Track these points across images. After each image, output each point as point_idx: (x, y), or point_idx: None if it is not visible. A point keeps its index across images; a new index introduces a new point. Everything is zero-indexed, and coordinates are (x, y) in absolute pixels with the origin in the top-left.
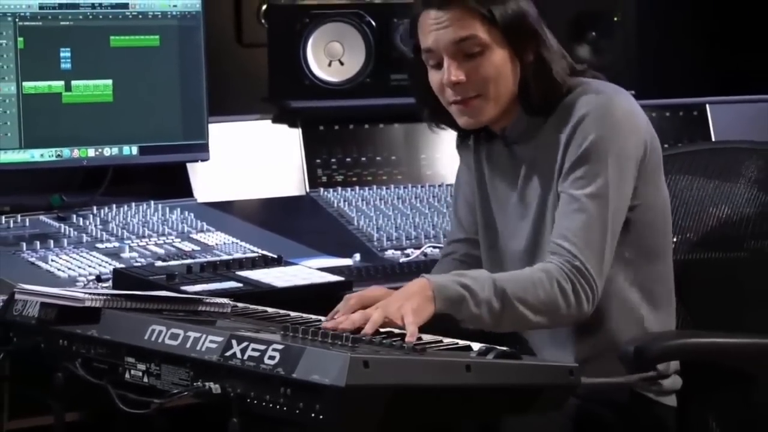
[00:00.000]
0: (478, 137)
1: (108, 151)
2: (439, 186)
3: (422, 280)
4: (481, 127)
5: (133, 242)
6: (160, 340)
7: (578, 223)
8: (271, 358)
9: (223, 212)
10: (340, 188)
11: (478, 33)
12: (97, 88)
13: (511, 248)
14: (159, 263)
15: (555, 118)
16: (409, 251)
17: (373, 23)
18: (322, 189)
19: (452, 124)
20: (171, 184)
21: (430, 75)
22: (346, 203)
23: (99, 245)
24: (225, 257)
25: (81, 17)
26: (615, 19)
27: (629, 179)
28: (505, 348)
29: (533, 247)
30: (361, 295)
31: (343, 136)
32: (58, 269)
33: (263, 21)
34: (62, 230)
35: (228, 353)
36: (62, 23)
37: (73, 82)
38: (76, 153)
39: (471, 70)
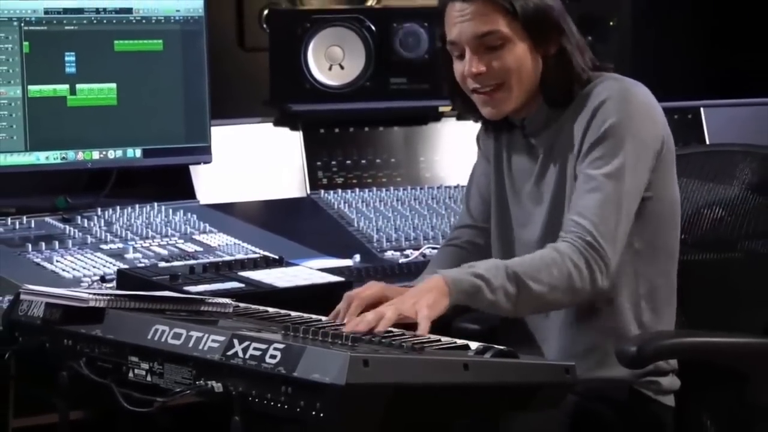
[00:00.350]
0: (500, 127)
1: (112, 153)
2: (438, 188)
3: (436, 276)
4: (502, 118)
5: (136, 243)
6: (163, 340)
7: (593, 201)
8: (273, 357)
9: (225, 214)
10: (340, 190)
11: (500, 27)
12: (101, 92)
13: (525, 237)
14: (162, 264)
15: (574, 106)
16: (408, 252)
17: (373, 28)
18: (322, 191)
19: (479, 115)
20: (174, 186)
21: (454, 65)
22: (347, 205)
23: (103, 246)
24: (227, 258)
25: (85, 22)
26: (611, 23)
27: (645, 165)
28: (502, 347)
29: (548, 235)
30: (360, 294)
31: (344, 139)
32: (63, 270)
33: (265, 26)
34: (67, 231)
35: (230, 352)
36: (67, 28)
37: (78, 86)
38: (81, 155)
39: (492, 63)
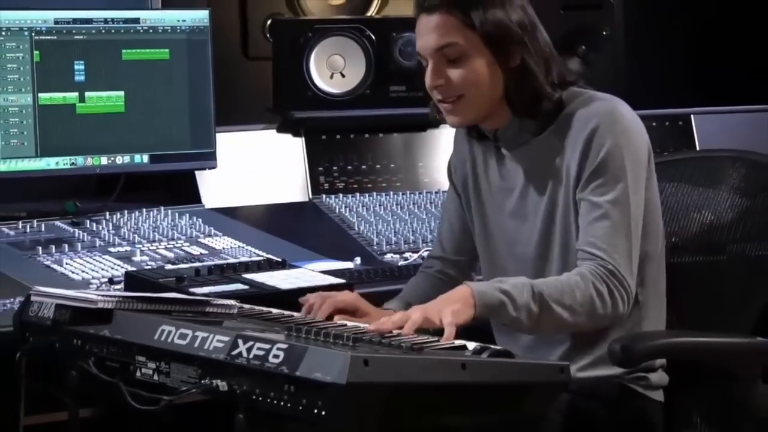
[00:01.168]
0: (472, 136)
1: (120, 159)
2: (436, 192)
3: (464, 287)
4: (471, 126)
5: (143, 246)
6: (169, 340)
7: (603, 230)
8: (276, 356)
9: (230, 218)
10: (341, 195)
11: (459, 40)
12: (109, 99)
13: (518, 254)
14: (169, 266)
15: (558, 126)
16: (407, 255)
17: (373, 37)
18: (324, 195)
19: None
20: (180, 190)
21: (425, 74)
22: (347, 209)
23: (111, 249)
24: (231, 260)
25: (94, 31)
26: (604, 33)
27: (642, 183)
28: (498, 347)
29: (544, 251)
30: (334, 297)
31: (345, 145)
32: (73, 272)
33: (268, 35)
34: (76, 235)
35: (234, 352)
36: (76, 37)
37: (87, 94)
38: (90, 161)
39: (451, 75)
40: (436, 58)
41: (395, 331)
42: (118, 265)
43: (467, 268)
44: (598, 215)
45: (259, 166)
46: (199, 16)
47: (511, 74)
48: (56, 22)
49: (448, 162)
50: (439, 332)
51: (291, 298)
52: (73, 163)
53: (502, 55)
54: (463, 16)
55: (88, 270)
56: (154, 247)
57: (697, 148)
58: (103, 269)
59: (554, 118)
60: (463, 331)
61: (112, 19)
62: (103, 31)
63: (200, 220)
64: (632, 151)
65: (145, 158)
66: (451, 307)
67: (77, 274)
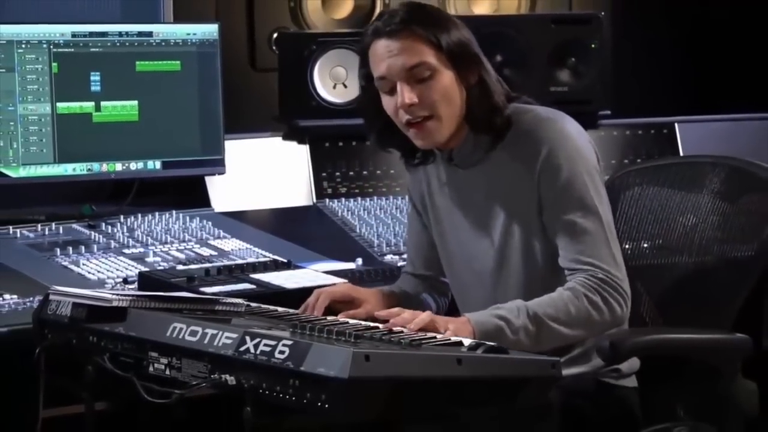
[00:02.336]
0: (422, 161)
1: (134, 165)
2: None
3: (463, 318)
4: (430, 149)
5: (156, 248)
6: (180, 337)
7: (583, 244)
8: (282, 352)
9: (238, 221)
10: (343, 199)
11: (428, 59)
12: (124, 109)
13: (476, 269)
14: (180, 267)
15: (510, 144)
16: (406, 256)
17: None
18: (327, 200)
19: (398, 146)
20: (191, 195)
21: (384, 101)
22: (349, 212)
23: (126, 251)
24: (239, 261)
25: (109, 44)
26: (593, 46)
27: (603, 189)
28: (493, 344)
29: (502, 265)
30: (328, 290)
31: (347, 152)
32: (89, 272)
33: (274, 48)
34: (92, 237)
35: (242, 348)
36: (92, 50)
37: (103, 103)
38: (105, 167)
39: (422, 93)
40: (406, 78)
41: (396, 328)
42: (132, 266)
43: (437, 280)
44: (574, 232)
45: (265, 171)
46: (209, 30)
47: (473, 91)
48: (73, 35)
49: (407, 183)
50: None
51: (296, 297)
52: (89, 169)
53: (463, 72)
54: (429, 36)
55: (104, 270)
56: (166, 249)
57: (681, 154)
58: (117, 270)
59: (504, 134)
60: None
61: (127, 33)
62: (118, 44)
63: (210, 223)
64: (585, 164)
65: (158, 164)
66: (455, 325)
67: (93, 274)
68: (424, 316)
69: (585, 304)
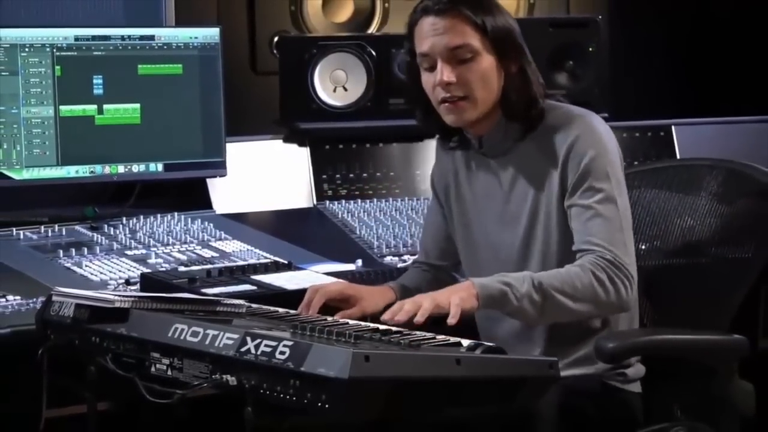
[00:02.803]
0: (461, 144)
1: (136, 167)
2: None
3: (467, 282)
4: (461, 128)
5: (158, 249)
6: (182, 337)
7: (597, 227)
8: (282, 353)
9: (239, 222)
10: (344, 201)
11: (471, 41)
12: (126, 112)
13: (501, 258)
14: (182, 268)
15: (539, 136)
16: (405, 257)
17: (374, 53)
18: (327, 202)
19: (436, 126)
20: (192, 197)
21: (424, 77)
22: (350, 214)
23: (128, 252)
24: (241, 263)
25: (112, 48)
26: (590, 49)
27: (624, 184)
28: (491, 344)
29: (525, 255)
30: (323, 288)
31: (347, 155)
32: (91, 274)
33: (275, 51)
34: (95, 239)
35: (243, 349)
36: (95, 53)
37: (105, 106)
38: (108, 170)
39: (461, 74)
40: (448, 58)
41: (396, 329)
42: (134, 267)
43: (451, 270)
44: (589, 216)
45: (266, 174)
46: (211, 34)
47: (511, 78)
48: (76, 39)
49: (431, 173)
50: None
51: (296, 298)
52: (92, 171)
53: (504, 59)
54: (475, 19)
55: (106, 272)
56: (168, 250)
57: (678, 157)
58: (120, 271)
59: (536, 125)
60: (456, 332)
61: (129, 36)
62: (120, 47)
63: (211, 224)
64: (610, 157)
65: (160, 167)
66: (458, 294)
67: (95, 275)
68: (427, 305)
69: (591, 279)
